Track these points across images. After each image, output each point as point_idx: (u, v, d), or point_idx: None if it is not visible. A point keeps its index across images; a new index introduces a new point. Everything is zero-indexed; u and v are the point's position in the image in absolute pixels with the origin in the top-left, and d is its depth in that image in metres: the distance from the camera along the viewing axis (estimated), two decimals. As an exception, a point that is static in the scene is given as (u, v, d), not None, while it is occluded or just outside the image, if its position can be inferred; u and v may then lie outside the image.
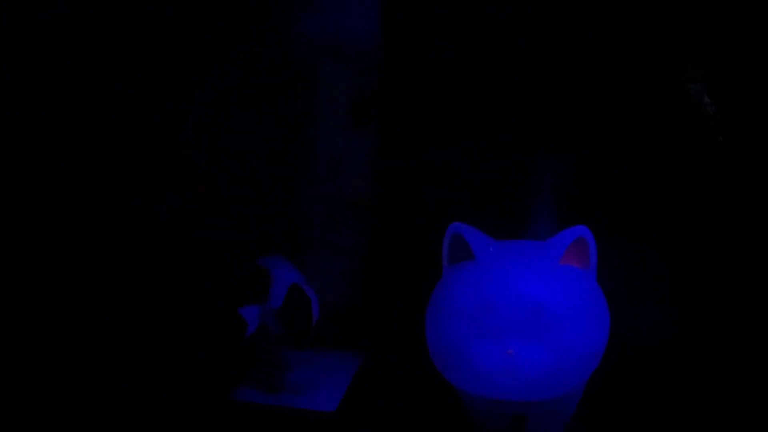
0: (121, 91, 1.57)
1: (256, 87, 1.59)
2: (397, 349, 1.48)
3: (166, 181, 1.59)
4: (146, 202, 1.59)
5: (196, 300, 1.58)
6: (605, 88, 1.57)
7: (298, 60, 1.56)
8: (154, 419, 1.41)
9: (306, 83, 1.57)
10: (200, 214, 1.60)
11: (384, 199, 1.59)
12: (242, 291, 1.42)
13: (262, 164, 1.60)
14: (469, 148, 1.60)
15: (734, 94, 1.56)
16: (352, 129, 1.59)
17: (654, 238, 1.57)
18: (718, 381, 1.47)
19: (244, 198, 1.60)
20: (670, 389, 1.47)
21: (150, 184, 1.59)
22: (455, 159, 1.60)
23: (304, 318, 1.42)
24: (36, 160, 1.53)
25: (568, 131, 1.57)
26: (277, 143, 1.59)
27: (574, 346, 1.26)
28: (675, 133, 1.58)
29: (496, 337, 1.25)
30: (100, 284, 1.55)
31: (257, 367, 1.46)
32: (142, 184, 1.59)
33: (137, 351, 1.52)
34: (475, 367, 1.26)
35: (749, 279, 1.54)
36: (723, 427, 1.38)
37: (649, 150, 1.57)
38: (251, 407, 1.46)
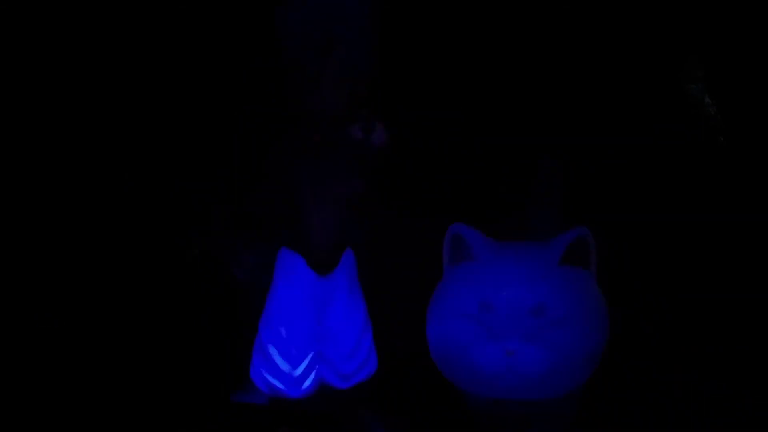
0: (118, 92, 1.57)
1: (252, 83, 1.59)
2: (399, 350, 1.48)
3: (166, 180, 1.59)
4: (146, 202, 1.59)
5: (197, 299, 1.58)
6: (605, 89, 1.57)
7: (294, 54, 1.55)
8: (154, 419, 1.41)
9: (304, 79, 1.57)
10: (200, 213, 1.60)
11: (384, 198, 1.59)
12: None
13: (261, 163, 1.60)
14: (469, 148, 1.60)
15: (734, 94, 1.56)
16: (351, 128, 1.58)
17: (654, 238, 1.57)
18: (718, 380, 1.47)
19: (244, 196, 1.60)
20: (670, 389, 1.47)
21: (150, 183, 1.59)
22: (455, 159, 1.60)
23: None
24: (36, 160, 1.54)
25: (568, 132, 1.57)
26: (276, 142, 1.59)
27: (574, 346, 1.26)
28: (675, 133, 1.58)
29: (497, 337, 1.25)
30: (101, 284, 1.56)
31: None
32: (141, 183, 1.59)
33: (137, 352, 1.52)
34: (476, 367, 1.26)
35: (749, 278, 1.54)
36: (722, 426, 1.38)
37: (650, 150, 1.57)
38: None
